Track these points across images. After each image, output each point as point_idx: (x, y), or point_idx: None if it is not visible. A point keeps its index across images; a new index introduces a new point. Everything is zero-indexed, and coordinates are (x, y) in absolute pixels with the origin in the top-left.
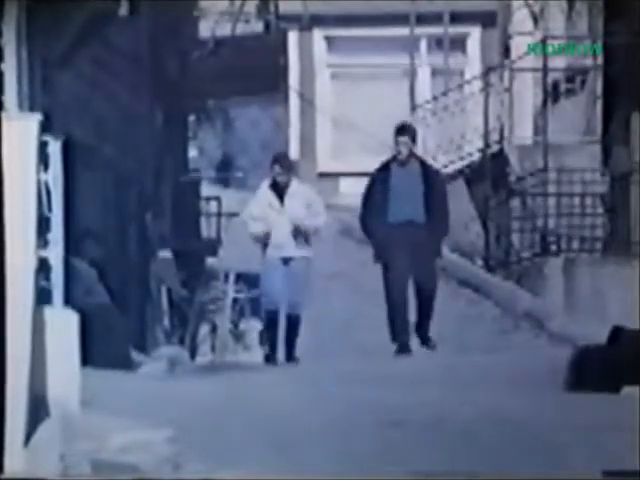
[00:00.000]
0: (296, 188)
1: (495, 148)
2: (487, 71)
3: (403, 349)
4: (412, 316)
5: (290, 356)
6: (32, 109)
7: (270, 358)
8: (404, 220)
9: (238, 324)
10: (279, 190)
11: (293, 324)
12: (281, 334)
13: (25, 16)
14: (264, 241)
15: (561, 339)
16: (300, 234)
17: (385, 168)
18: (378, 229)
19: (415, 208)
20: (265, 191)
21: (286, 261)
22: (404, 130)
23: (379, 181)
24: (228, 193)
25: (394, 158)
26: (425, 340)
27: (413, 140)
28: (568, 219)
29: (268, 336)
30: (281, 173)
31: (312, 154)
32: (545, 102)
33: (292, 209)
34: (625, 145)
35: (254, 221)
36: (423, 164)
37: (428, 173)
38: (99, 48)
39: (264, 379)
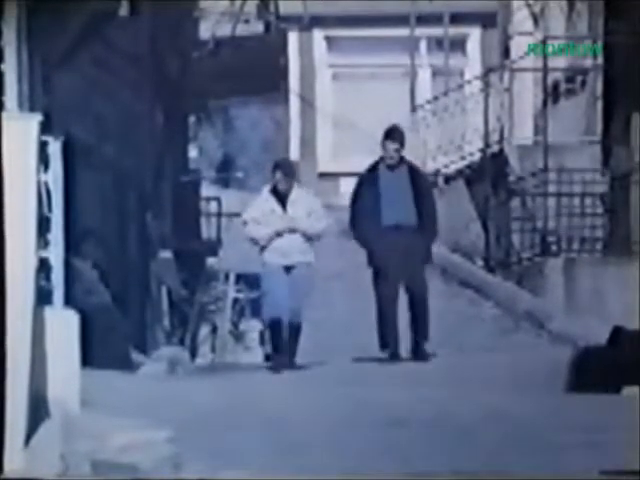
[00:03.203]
0: (298, 194)
1: (495, 148)
2: (487, 71)
3: (393, 357)
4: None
5: (291, 363)
6: (32, 109)
7: (275, 364)
8: (397, 223)
9: (238, 325)
10: (280, 196)
11: (294, 332)
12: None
13: (25, 16)
14: (265, 245)
15: (561, 339)
16: (303, 240)
17: (373, 170)
18: (370, 233)
19: (407, 211)
20: (267, 196)
21: (288, 268)
22: (394, 135)
23: (368, 184)
24: (228, 193)
25: (382, 160)
26: (421, 356)
27: (402, 144)
28: (568, 219)
29: (274, 344)
30: (283, 180)
31: (312, 154)
32: (545, 102)
33: (295, 215)
34: (625, 145)
35: (256, 224)
36: (411, 168)
37: (416, 177)
38: (99, 48)
39: (264, 379)
